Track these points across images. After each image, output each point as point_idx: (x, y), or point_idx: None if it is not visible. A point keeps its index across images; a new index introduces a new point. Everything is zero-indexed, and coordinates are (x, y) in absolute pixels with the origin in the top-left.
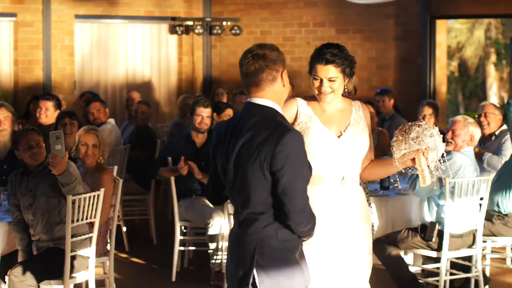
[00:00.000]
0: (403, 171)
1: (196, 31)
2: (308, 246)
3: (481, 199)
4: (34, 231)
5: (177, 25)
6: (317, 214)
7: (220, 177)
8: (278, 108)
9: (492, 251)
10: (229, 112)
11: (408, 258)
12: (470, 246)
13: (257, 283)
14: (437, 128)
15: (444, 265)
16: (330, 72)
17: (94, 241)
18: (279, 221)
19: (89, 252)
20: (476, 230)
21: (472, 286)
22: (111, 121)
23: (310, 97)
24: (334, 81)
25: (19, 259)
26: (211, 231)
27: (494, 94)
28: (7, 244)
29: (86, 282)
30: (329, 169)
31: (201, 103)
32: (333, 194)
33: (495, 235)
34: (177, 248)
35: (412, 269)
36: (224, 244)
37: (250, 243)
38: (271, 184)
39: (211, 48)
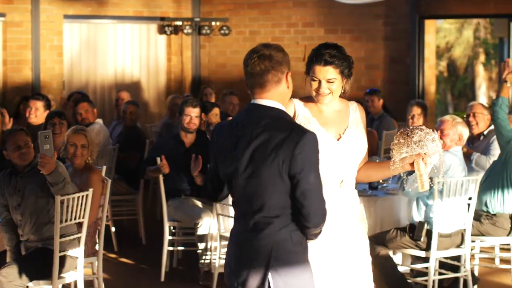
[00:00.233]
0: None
1: (185, 31)
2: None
3: (470, 199)
4: (22, 231)
5: (166, 25)
6: None
7: (220, 177)
8: (284, 109)
9: (480, 251)
10: (216, 111)
11: (397, 258)
12: (458, 246)
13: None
14: (438, 133)
15: (432, 265)
16: (328, 73)
17: (83, 241)
18: (294, 223)
19: (77, 252)
20: (464, 230)
21: (461, 285)
22: (99, 121)
23: (307, 98)
24: (332, 82)
25: (8, 259)
26: (200, 231)
27: (483, 94)
28: None
29: (75, 282)
30: (328, 172)
31: (189, 103)
32: (332, 197)
33: (483, 235)
34: (166, 248)
35: (401, 268)
36: (213, 244)
37: (264, 247)
38: (288, 187)
39: (200, 48)
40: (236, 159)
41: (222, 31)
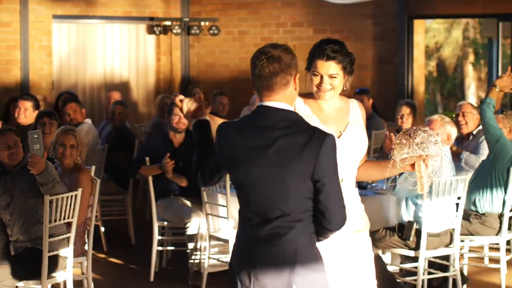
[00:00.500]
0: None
1: (174, 31)
2: None
3: (459, 198)
4: (11, 232)
5: (155, 25)
6: None
7: (218, 167)
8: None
9: (470, 250)
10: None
11: (386, 258)
12: (447, 245)
13: None
14: (440, 136)
15: (422, 264)
16: (331, 69)
17: (72, 241)
18: (311, 226)
19: (67, 252)
20: (453, 229)
21: (450, 285)
22: (88, 121)
23: (306, 95)
24: (335, 77)
25: None
26: (190, 231)
27: (472, 94)
28: None
29: (64, 282)
30: None
31: None
32: None
33: (472, 234)
34: (155, 248)
35: (390, 268)
36: (202, 244)
37: (286, 252)
38: (311, 191)
39: (189, 48)
40: (253, 163)
41: (211, 31)
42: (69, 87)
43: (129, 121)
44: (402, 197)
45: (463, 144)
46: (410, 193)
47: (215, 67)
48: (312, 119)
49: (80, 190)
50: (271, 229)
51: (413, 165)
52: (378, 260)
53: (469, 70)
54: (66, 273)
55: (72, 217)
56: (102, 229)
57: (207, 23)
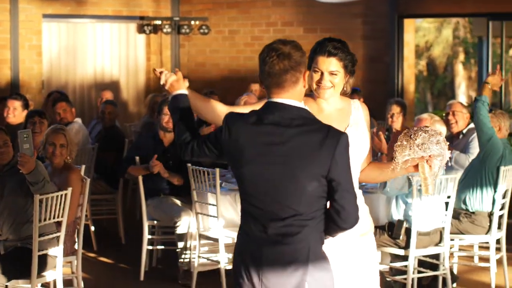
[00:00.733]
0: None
1: (165, 30)
2: None
3: (449, 197)
4: (1, 231)
5: (145, 25)
6: None
7: (204, 150)
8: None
9: (459, 249)
10: None
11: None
12: (437, 244)
13: None
14: (443, 135)
15: (411, 263)
16: (332, 65)
17: (62, 240)
18: (321, 224)
19: (56, 251)
20: (443, 228)
21: (440, 284)
22: (78, 120)
23: (306, 95)
24: (335, 75)
25: None
26: (179, 230)
27: (462, 93)
28: None
29: (54, 282)
30: None
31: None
32: None
33: (462, 233)
34: (145, 247)
35: (380, 267)
36: (192, 243)
37: (299, 250)
38: (324, 189)
39: (179, 48)
40: (261, 160)
41: (202, 30)
42: (59, 86)
43: (119, 120)
44: (392, 195)
45: (453, 143)
46: (400, 192)
47: (205, 66)
48: None
49: (70, 189)
50: (282, 227)
51: (416, 167)
52: None
53: (459, 69)
54: (56, 272)
55: (62, 216)
56: (92, 228)
57: (197, 22)
